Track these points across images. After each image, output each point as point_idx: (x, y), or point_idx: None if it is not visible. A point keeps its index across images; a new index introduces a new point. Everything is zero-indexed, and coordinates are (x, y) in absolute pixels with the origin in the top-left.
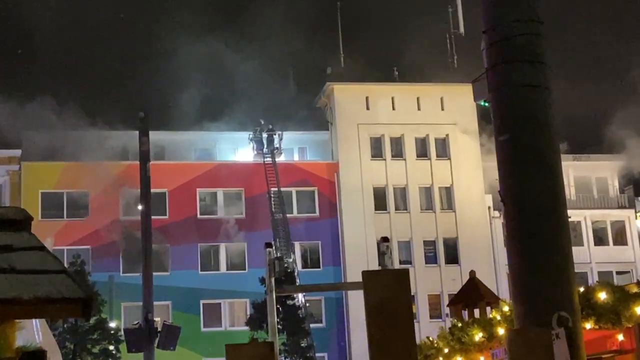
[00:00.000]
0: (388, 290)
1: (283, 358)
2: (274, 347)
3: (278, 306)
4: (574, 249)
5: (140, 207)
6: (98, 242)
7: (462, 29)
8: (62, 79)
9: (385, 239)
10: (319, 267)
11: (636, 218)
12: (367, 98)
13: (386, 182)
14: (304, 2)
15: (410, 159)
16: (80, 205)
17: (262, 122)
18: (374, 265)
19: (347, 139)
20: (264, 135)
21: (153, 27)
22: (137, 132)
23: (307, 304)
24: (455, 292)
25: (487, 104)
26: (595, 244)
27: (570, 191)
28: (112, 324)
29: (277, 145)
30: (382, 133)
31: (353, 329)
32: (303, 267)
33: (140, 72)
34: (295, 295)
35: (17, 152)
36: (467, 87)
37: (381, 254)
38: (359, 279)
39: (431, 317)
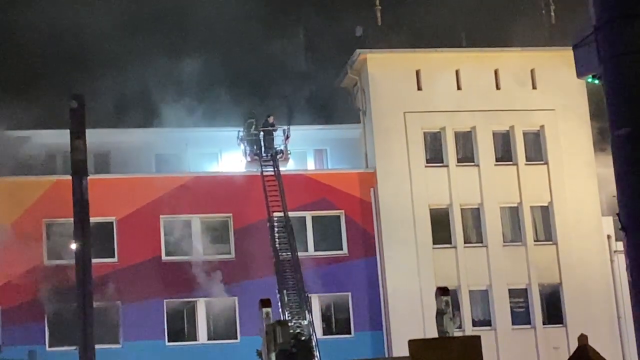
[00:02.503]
0: None
1: None
2: None
3: None
4: None
5: (74, 247)
6: (11, 301)
7: None
8: None
9: (443, 291)
10: (349, 334)
11: None
12: (417, 72)
13: (450, 201)
14: None
15: (487, 164)
16: None
17: (253, 112)
18: (434, 328)
19: (388, 135)
20: (261, 132)
21: None
22: (67, 132)
23: None
24: None
25: (596, 81)
26: None
27: None
28: None
29: (282, 148)
30: (442, 125)
31: None
32: (325, 332)
33: (73, 41)
34: None
35: None
36: (571, 53)
37: (439, 314)
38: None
39: None
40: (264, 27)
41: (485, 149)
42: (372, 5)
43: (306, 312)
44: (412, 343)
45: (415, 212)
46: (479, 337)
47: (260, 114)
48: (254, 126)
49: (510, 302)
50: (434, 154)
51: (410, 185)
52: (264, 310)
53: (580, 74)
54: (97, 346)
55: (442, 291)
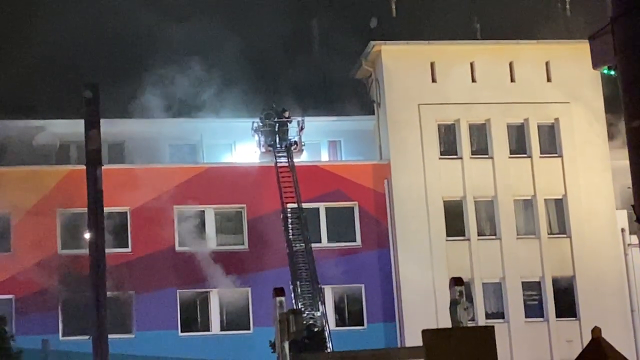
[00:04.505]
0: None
1: None
2: None
3: None
4: None
5: (88, 236)
6: (25, 290)
7: None
8: None
9: (458, 281)
10: (362, 325)
11: None
12: (432, 65)
13: (464, 194)
14: None
15: (501, 157)
16: None
17: (274, 105)
18: (446, 320)
19: (402, 127)
20: (276, 123)
21: None
22: (81, 122)
23: None
24: None
25: (612, 72)
26: None
27: None
28: None
29: (296, 139)
30: (456, 118)
31: None
32: (338, 324)
33: (87, 31)
34: None
35: None
36: (586, 45)
37: (453, 304)
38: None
39: None
40: (278, 18)
41: (499, 141)
42: None
43: (319, 303)
44: (425, 333)
45: (429, 204)
46: (492, 328)
47: (276, 106)
48: (271, 118)
49: (523, 295)
50: (448, 146)
51: (424, 177)
52: (278, 299)
53: (595, 65)
54: (110, 336)
55: (456, 281)
